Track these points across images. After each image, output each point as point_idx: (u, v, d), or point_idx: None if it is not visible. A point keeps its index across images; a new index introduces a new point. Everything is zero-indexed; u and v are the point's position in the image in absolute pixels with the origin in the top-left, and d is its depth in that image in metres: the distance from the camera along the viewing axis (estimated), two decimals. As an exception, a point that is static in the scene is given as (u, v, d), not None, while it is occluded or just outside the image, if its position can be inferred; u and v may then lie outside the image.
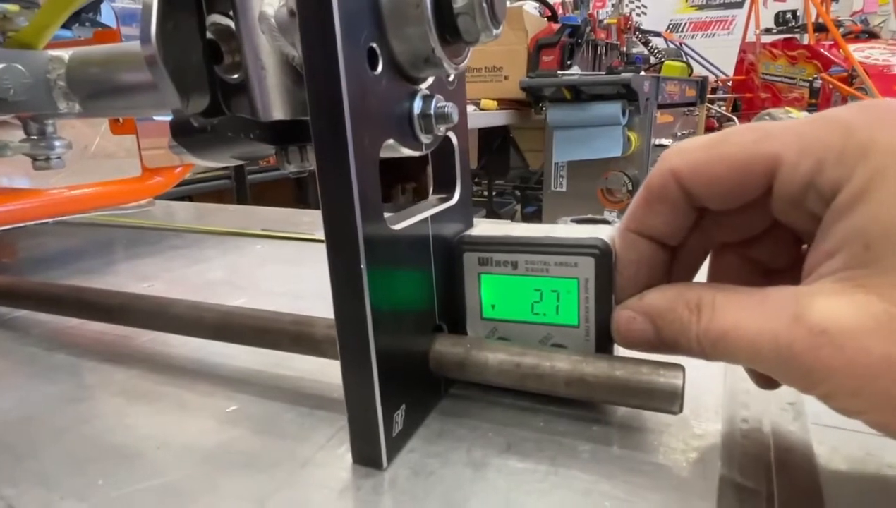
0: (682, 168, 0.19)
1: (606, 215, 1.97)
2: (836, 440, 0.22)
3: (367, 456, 0.22)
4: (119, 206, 0.58)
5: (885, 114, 0.16)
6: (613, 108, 1.84)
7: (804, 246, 0.22)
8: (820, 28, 3.12)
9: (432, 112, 0.22)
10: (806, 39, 3.25)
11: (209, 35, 0.24)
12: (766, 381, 0.23)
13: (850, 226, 0.16)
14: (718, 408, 0.25)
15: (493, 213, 2.57)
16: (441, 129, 0.23)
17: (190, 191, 1.71)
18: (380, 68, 0.20)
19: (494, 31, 0.21)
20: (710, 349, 0.19)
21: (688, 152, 0.19)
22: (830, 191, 0.17)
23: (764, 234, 0.21)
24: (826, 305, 0.16)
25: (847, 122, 0.17)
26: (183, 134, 0.25)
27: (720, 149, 0.19)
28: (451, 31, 0.21)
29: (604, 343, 0.24)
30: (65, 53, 0.28)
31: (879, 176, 0.16)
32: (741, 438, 0.23)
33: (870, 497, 0.20)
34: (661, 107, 1.99)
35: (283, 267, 0.52)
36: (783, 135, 0.18)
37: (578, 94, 1.89)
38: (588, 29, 2.26)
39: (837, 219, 0.17)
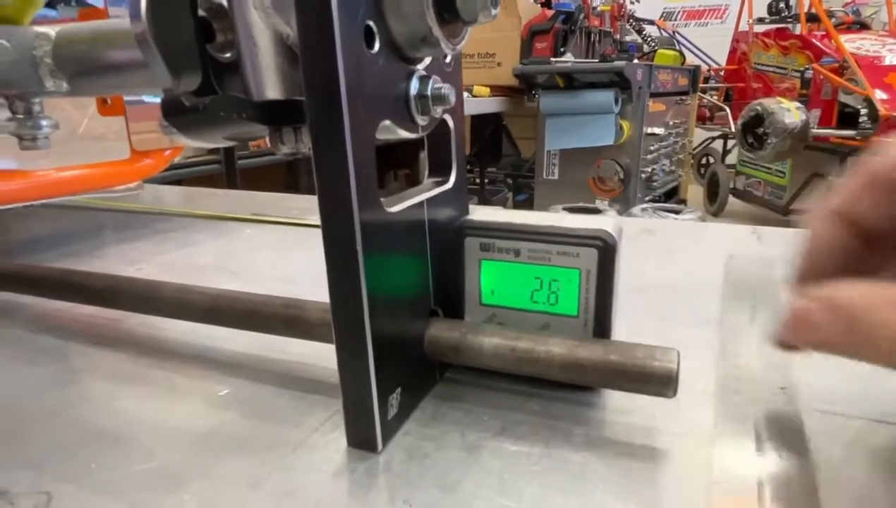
0: None
1: (598, 204, 1.97)
2: (828, 424, 0.23)
3: (361, 439, 0.22)
4: (107, 189, 0.57)
5: None
6: (606, 96, 1.84)
7: None
8: (812, 18, 3.12)
9: (429, 93, 0.22)
10: (798, 29, 3.25)
11: (201, 12, 0.24)
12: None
13: None
14: (712, 392, 0.25)
15: (484, 201, 2.56)
16: (438, 111, 0.23)
17: (180, 176, 1.69)
18: (377, 47, 0.20)
19: (493, 11, 0.20)
20: None
21: None
22: None
23: None
24: None
25: None
26: (174, 113, 0.24)
27: None
28: (449, 10, 0.20)
29: (602, 334, 0.24)
30: (51, 30, 0.27)
31: None
32: (734, 422, 0.23)
33: (861, 482, 0.20)
34: (653, 95, 1.99)
35: (273, 251, 0.51)
36: None
37: (571, 82, 1.89)
38: (582, 16, 2.25)
39: None
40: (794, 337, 0.19)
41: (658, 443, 0.22)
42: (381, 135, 0.21)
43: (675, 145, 2.32)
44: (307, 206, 0.66)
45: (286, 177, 2.26)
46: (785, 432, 0.22)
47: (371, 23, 0.19)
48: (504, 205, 2.70)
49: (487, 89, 2.03)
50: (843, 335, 0.18)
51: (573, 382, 0.24)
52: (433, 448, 0.22)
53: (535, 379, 0.24)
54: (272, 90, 0.23)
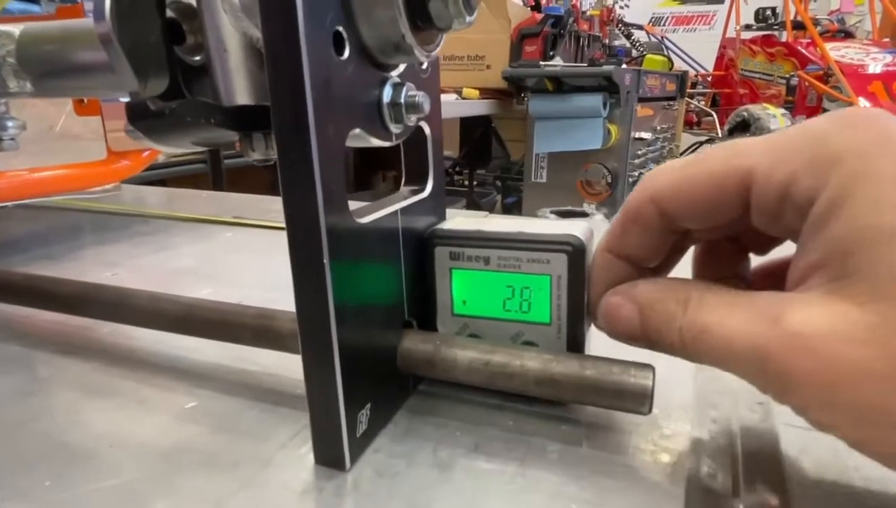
0: (658, 190, 0.19)
1: (586, 207, 1.98)
2: (804, 441, 0.22)
3: (329, 457, 0.21)
4: (84, 190, 0.56)
5: (854, 120, 0.16)
6: (594, 100, 1.84)
7: None
8: (798, 26, 3.15)
9: (402, 101, 0.21)
10: (784, 37, 3.29)
11: (169, 13, 0.23)
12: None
13: (830, 237, 0.16)
14: (688, 408, 0.25)
15: (473, 204, 2.56)
16: (412, 119, 0.22)
17: (164, 175, 1.67)
18: (346, 53, 0.19)
19: (468, 18, 0.20)
20: (690, 344, 0.18)
21: (664, 174, 0.19)
22: (806, 201, 0.16)
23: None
24: (806, 310, 0.16)
25: (817, 131, 0.16)
26: (140, 118, 0.24)
27: (693, 169, 0.19)
28: (422, 17, 0.20)
29: (575, 341, 0.24)
30: (14, 28, 0.26)
31: (852, 182, 0.15)
32: (710, 439, 0.23)
33: (835, 499, 0.20)
34: (641, 100, 1.99)
35: (253, 256, 0.51)
36: (753, 148, 0.17)
37: (560, 85, 1.89)
38: (571, 20, 2.26)
39: (817, 230, 0.16)
40: (607, 329, 0.22)
41: (634, 461, 0.22)
42: (353, 144, 0.21)
43: (662, 150, 2.33)
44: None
45: (272, 178, 2.24)
46: (761, 449, 0.22)
47: (340, 28, 0.19)
48: (492, 207, 2.69)
49: (477, 91, 2.02)
50: (639, 327, 0.20)
51: (548, 397, 0.23)
52: (404, 465, 0.21)
53: (511, 393, 0.24)
54: (242, 95, 0.22)
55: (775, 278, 0.20)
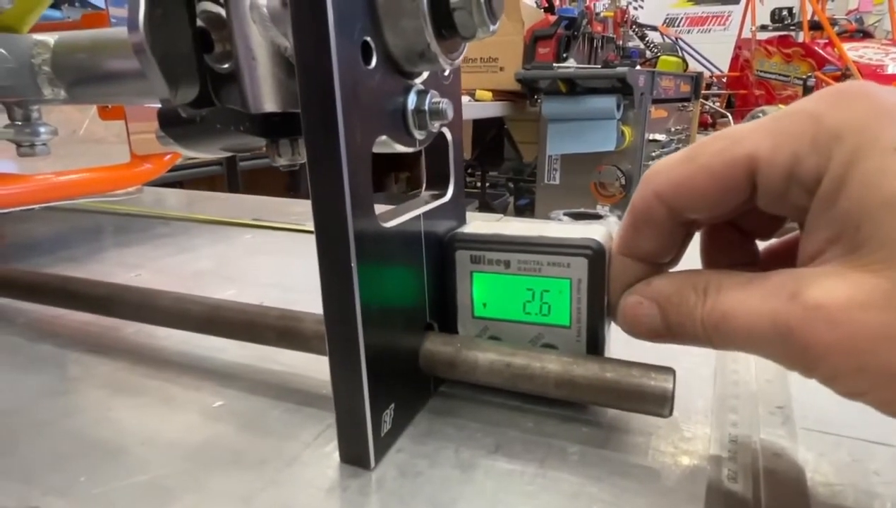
0: (663, 188, 0.19)
1: (599, 209, 1.97)
2: (823, 445, 0.22)
3: (354, 456, 0.21)
4: (107, 193, 0.57)
5: (846, 96, 0.16)
6: (608, 102, 1.84)
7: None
8: (815, 26, 3.12)
9: (426, 108, 0.22)
10: (801, 37, 3.26)
11: (199, 23, 0.24)
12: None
13: (840, 211, 0.16)
14: (708, 412, 0.25)
15: (486, 205, 2.56)
16: (435, 125, 0.23)
17: (181, 177, 1.69)
18: (374, 62, 0.20)
19: (491, 27, 0.20)
20: (713, 331, 0.18)
21: (666, 171, 0.19)
22: (813, 180, 0.16)
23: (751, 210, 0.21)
24: (823, 283, 0.16)
25: (813, 111, 0.17)
26: (171, 124, 0.24)
27: (697, 162, 0.19)
28: (447, 26, 0.20)
29: (595, 343, 0.24)
30: (50, 38, 0.27)
31: (854, 157, 0.16)
32: (730, 442, 0.23)
33: (855, 504, 0.20)
34: (655, 102, 1.98)
35: (272, 257, 0.51)
36: (754, 134, 0.18)
37: (574, 87, 1.89)
38: (584, 21, 2.25)
39: (826, 207, 0.16)
40: (629, 328, 0.21)
41: (653, 462, 0.22)
42: (379, 150, 0.21)
43: (676, 151, 2.32)
44: (308, 211, 0.66)
45: (287, 180, 2.26)
46: (781, 452, 0.22)
47: (368, 38, 0.19)
48: (505, 209, 2.69)
49: (490, 93, 2.03)
50: (661, 322, 0.20)
51: (569, 399, 0.24)
52: (426, 465, 0.22)
53: (531, 395, 0.24)
54: (270, 103, 0.23)
55: (784, 259, 0.21)
